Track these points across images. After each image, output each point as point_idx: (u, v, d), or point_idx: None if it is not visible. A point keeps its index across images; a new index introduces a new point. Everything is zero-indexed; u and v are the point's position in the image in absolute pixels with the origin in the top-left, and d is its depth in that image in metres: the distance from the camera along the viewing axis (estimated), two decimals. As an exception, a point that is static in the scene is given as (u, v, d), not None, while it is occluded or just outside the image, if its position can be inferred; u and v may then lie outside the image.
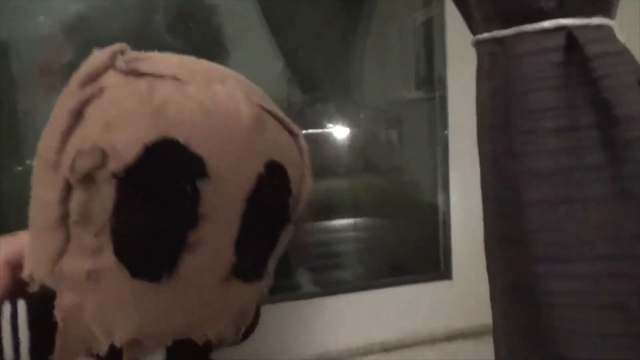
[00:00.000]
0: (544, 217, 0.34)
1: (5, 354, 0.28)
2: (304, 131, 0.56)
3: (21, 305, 0.30)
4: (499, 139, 0.37)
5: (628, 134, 0.33)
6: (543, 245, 0.34)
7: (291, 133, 0.34)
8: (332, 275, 0.72)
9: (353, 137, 0.70)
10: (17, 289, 0.31)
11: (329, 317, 0.64)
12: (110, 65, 0.29)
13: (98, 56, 0.30)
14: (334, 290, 0.66)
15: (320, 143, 0.69)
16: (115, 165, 0.27)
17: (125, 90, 0.29)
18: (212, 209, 0.28)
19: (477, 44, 0.39)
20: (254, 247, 0.31)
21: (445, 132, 0.68)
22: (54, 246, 0.29)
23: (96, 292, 0.29)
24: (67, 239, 0.29)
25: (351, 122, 0.70)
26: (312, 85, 0.70)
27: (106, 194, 0.27)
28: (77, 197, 0.28)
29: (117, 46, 0.30)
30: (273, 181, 0.31)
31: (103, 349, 0.29)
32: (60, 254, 0.29)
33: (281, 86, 0.69)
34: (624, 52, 0.33)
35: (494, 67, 0.37)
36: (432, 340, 0.64)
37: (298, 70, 0.69)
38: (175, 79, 0.30)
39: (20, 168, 0.59)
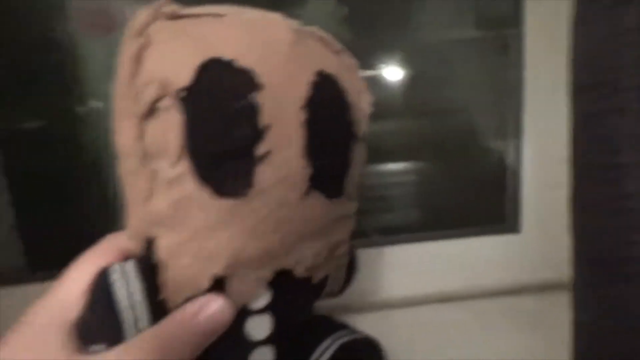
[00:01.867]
0: None
1: (121, 303, 0.30)
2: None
3: (130, 263, 0.32)
4: (597, 97, 0.33)
5: None
6: None
7: (335, 51, 0.35)
8: (386, 220, 0.70)
9: (408, 78, 0.66)
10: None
11: (389, 266, 0.64)
12: (155, 17, 0.31)
13: (143, 11, 0.32)
14: (396, 240, 0.64)
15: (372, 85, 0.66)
16: (173, 90, 0.29)
17: (168, 31, 0.31)
18: (273, 119, 0.29)
19: None
20: (326, 159, 0.31)
21: (521, 74, 0.63)
22: (142, 188, 0.31)
23: (185, 223, 0.30)
24: (152, 177, 0.30)
25: (405, 62, 0.66)
26: (363, 24, 0.66)
27: (173, 119, 0.29)
28: (150, 130, 0.30)
29: (159, 2, 0.32)
30: (327, 89, 0.32)
31: (204, 283, 0.30)
32: (149, 196, 0.31)
33: (331, 25, 0.66)
34: None
35: (595, 17, 0.33)
36: (494, 294, 0.62)
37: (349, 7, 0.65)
38: (214, 15, 0.32)
39: (82, 108, 0.60)
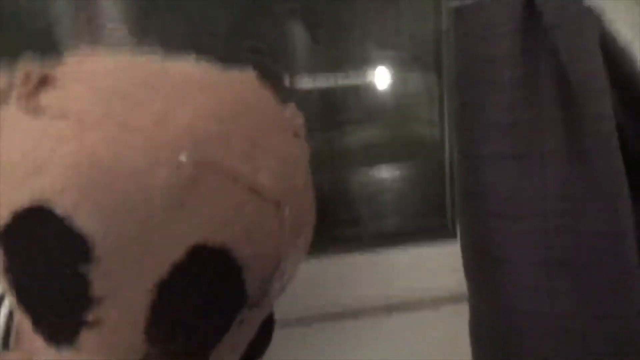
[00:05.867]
0: (497, 170, 0.34)
1: None
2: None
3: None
4: (464, 93, 0.36)
5: (584, 94, 0.31)
6: (497, 200, 0.34)
7: (266, 199, 0.25)
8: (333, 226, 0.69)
9: (391, 85, 0.67)
10: None
11: (334, 277, 0.63)
12: (11, 92, 0.24)
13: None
14: (338, 250, 0.64)
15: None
16: None
17: (14, 134, 0.23)
18: (110, 292, 0.23)
19: (450, 10, 0.38)
20: (179, 337, 0.24)
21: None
22: None
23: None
24: None
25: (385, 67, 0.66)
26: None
27: None
28: None
29: (22, 69, 0.24)
30: (201, 269, 0.24)
31: None
32: None
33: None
34: (583, 13, 0.31)
35: (460, 29, 0.36)
36: (436, 302, 0.61)
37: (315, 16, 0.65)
38: (79, 119, 0.22)
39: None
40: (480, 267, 0.36)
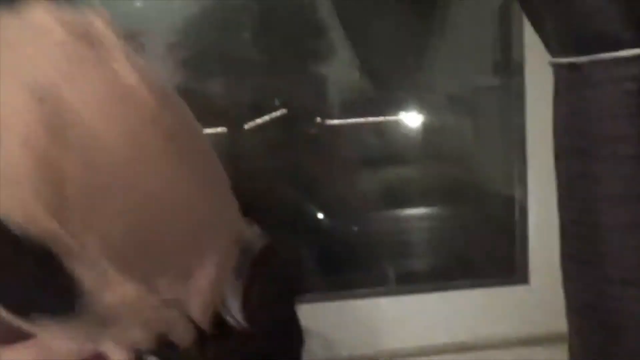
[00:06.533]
0: (620, 240, 0.34)
1: None
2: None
3: None
4: (575, 163, 0.36)
5: None
6: (619, 268, 0.34)
7: None
8: (401, 266, 0.72)
9: (425, 125, 0.68)
10: None
11: (403, 316, 0.65)
12: None
13: None
14: (409, 290, 0.66)
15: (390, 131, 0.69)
16: None
17: None
18: None
19: (554, 66, 0.38)
20: None
21: (522, 121, 0.65)
22: None
23: None
24: None
25: (424, 109, 0.68)
26: (382, 73, 0.68)
27: None
28: None
29: None
30: None
31: None
32: None
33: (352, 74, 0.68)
34: None
35: (570, 92, 0.36)
36: (507, 344, 0.64)
37: (366, 58, 0.68)
38: None
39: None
40: (599, 332, 0.36)
